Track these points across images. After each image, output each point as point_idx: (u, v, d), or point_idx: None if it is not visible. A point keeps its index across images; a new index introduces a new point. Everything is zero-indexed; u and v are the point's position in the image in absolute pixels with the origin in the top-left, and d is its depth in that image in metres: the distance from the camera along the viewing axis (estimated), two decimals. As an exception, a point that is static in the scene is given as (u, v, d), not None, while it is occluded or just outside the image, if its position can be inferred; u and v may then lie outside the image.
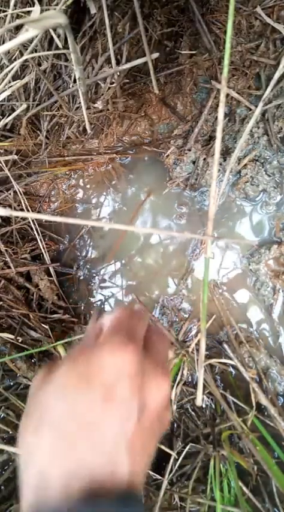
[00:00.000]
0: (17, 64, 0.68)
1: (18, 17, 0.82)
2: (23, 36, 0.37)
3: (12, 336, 0.97)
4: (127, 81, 0.97)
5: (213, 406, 0.96)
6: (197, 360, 0.91)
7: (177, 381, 0.92)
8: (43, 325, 1.03)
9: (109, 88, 0.91)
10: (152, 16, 0.92)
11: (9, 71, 0.68)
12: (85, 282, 1.12)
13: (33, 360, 1.03)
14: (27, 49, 0.72)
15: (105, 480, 0.25)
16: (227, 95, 0.98)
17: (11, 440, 0.95)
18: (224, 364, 0.96)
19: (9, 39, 0.86)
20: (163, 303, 1.05)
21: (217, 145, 0.35)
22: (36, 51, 0.84)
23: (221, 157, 1.00)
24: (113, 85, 0.90)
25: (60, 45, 0.73)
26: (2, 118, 0.92)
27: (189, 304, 1.03)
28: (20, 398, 0.98)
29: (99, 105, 0.92)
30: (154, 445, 0.31)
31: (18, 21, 0.39)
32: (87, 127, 0.82)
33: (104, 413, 0.27)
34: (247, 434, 0.82)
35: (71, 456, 0.26)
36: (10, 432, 0.91)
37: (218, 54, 0.96)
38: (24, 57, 0.68)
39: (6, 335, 0.97)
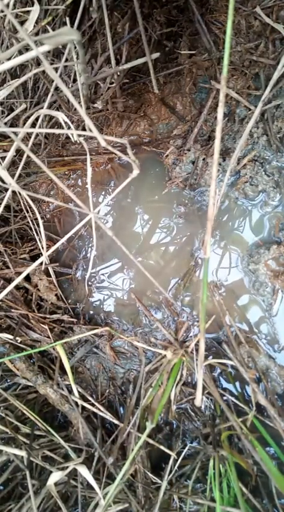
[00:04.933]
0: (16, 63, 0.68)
1: (17, 16, 0.81)
2: (37, 50, 0.38)
3: (11, 336, 0.97)
4: (127, 81, 0.97)
5: (213, 406, 0.96)
6: (196, 360, 0.91)
7: (176, 381, 0.92)
8: (42, 325, 1.03)
9: (108, 88, 0.91)
10: (152, 16, 0.91)
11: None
12: (84, 282, 1.12)
13: (32, 361, 1.03)
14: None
15: None
16: (227, 95, 0.98)
17: (10, 441, 0.94)
18: (224, 364, 0.96)
19: (9, 39, 0.86)
20: (164, 303, 1.04)
21: (217, 145, 0.35)
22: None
23: (220, 158, 0.99)
24: (113, 85, 0.90)
25: (59, 45, 0.72)
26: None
27: (189, 305, 1.03)
28: (19, 399, 0.97)
29: (98, 105, 0.92)
30: None
31: (36, 38, 0.40)
32: (87, 127, 0.82)
33: None
34: (246, 435, 0.82)
35: None
36: (9, 433, 0.91)
37: (218, 54, 0.95)
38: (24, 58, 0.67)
39: (5, 335, 0.96)
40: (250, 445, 0.80)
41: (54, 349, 1.04)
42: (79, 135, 0.98)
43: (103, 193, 1.12)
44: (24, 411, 0.94)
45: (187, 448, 0.94)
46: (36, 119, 1.03)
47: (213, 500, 0.81)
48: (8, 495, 0.95)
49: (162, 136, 1.09)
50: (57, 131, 0.49)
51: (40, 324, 1.03)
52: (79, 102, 0.85)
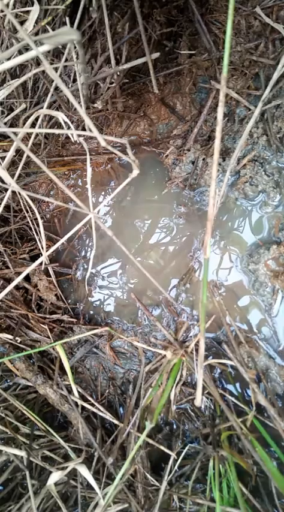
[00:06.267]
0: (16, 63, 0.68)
1: (17, 16, 0.81)
2: (36, 50, 0.38)
3: (10, 336, 0.97)
4: (127, 81, 0.97)
5: (213, 406, 0.96)
6: (196, 360, 0.91)
7: (176, 381, 0.92)
8: (42, 325, 1.03)
9: (108, 88, 0.91)
10: (151, 16, 0.91)
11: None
12: (84, 282, 1.12)
13: (31, 361, 1.03)
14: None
15: None
16: (227, 95, 0.98)
17: (10, 441, 0.94)
18: (224, 364, 0.96)
19: (9, 39, 0.86)
20: (163, 303, 1.04)
21: (217, 145, 0.35)
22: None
23: (220, 158, 0.99)
24: (112, 85, 0.90)
25: (59, 45, 0.72)
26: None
27: (189, 305, 1.03)
28: (18, 399, 0.97)
29: (98, 105, 0.92)
30: None
31: (36, 38, 0.40)
32: (87, 127, 0.82)
33: None
34: (246, 435, 0.82)
35: None
36: (9, 433, 0.91)
37: (218, 54, 0.95)
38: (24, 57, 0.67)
39: (4, 335, 0.96)
40: (250, 445, 0.80)
41: (54, 349, 1.04)
42: (79, 135, 0.98)
43: (103, 193, 1.12)
44: (24, 411, 0.94)
45: (187, 448, 0.94)
46: (36, 119, 1.03)
47: (212, 500, 0.81)
48: (8, 495, 0.95)
49: (162, 136, 1.09)
50: (57, 131, 0.49)
51: (40, 324, 1.03)
52: (79, 102, 0.86)
